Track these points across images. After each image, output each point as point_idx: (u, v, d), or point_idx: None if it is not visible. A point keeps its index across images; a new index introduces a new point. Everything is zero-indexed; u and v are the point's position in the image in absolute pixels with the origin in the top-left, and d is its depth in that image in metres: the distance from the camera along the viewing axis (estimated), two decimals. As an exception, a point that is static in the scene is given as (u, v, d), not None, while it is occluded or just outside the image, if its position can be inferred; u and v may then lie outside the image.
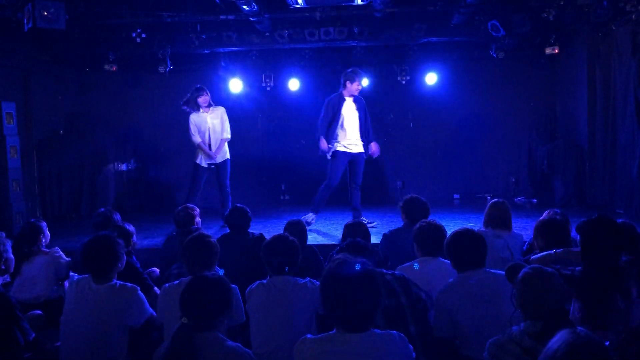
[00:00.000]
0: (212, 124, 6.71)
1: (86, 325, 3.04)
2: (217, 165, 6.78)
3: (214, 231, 6.25)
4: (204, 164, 6.74)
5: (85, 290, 3.14)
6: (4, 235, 4.04)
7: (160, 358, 2.36)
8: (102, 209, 5.03)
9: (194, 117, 6.69)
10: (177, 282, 3.22)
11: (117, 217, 4.84)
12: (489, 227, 4.42)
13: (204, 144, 6.69)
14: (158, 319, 3.24)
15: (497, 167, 9.27)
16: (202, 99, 6.65)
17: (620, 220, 3.57)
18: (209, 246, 3.34)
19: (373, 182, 9.28)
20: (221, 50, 8.30)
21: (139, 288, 3.19)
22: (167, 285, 3.25)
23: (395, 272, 3.09)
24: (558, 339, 1.68)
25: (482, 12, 7.29)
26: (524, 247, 4.40)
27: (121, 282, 3.20)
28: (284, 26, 7.77)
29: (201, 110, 6.69)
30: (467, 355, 2.94)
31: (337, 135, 6.40)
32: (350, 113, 6.44)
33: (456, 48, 8.81)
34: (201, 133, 6.69)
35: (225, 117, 6.79)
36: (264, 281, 3.24)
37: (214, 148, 6.70)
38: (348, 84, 6.42)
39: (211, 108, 6.76)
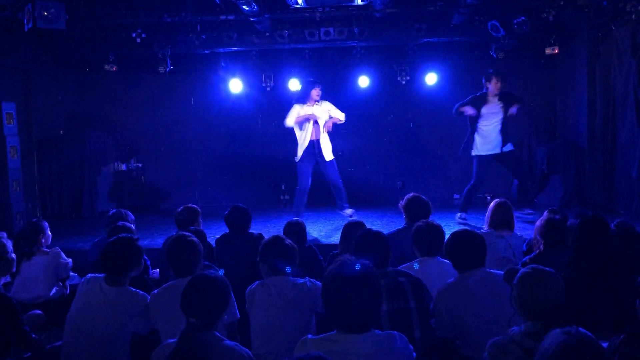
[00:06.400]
0: (319, 116, 6.64)
1: (91, 324, 3.04)
2: (323, 161, 6.69)
3: (214, 231, 6.25)
4: (304, 155, 6.67)
5: (95, 289, 3.13)
6: (5, 235, 4.05)
7: (165, 358, 2.35)
8: (114, 209, 5.08)
9: (297, 107, 6.69)
10: (167, 285, 3.21)
11: (131, 216, 4.86)
12: (491, 227, 4.42)
13: (305, 134, 6.61)
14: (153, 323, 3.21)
15: (497, 167, 9.25)
16: (316, 92, 6.62)
17: (618, 220, 3.58)
18: (193, 245, 3.26)
19: (373, 182, 9.30)
20: (221, 50, 8.30)
21: (149, 297, 3.18)
22: (155, 291, 3.21)
23: (412, 274, 3.09)
24: (551, 339, 1.68)
25: (482, 12, 7.29)
26: (524, 247, 4.41)
27: (133, 290, 3.18)
28: (284, 26, 7.77)
29: (308, 103, 6.66)
30: (467, 355, 2.95)
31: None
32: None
33: (456, 48, 8.80)
34: (302, 124, 6.63)
35: (331, 107, 6.74)
36: (264, 281, 3.24)
37: (319, 137, 6.63)
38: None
39: (318, 102, 6.70)
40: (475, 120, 6.58)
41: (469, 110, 6.54)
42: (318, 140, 6.64)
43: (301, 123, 6.63)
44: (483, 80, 6.61)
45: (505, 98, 6.56)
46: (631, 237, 3.43)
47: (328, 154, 6.68)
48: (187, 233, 3.45)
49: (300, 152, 6.68)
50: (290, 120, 6.65)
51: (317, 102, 6.67)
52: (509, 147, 6.59)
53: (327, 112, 6.69)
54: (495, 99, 6.54)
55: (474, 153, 6.68)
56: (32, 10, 5.67)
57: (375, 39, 7.92)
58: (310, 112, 6.60)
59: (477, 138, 6.60)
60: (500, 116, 6.53)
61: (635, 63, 6.65)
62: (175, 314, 2.53)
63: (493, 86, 6.50)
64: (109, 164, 8.85)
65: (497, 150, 6.58)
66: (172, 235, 4.73)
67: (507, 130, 6.57)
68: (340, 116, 6.72)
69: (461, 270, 3.12)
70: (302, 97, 6.70)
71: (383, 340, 2.21)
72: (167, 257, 3.31)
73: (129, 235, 3.40)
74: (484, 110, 6.55)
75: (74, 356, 3.06)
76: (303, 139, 6.65)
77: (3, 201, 6.81)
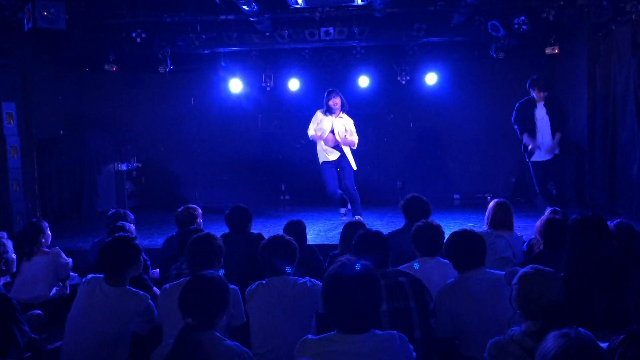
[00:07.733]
0: (336, 128, 6.64)
1: (92, 324, 3.04)
2: (340, 166, 6.74)
3: (214, 231, 6.24)
4: (324, 159, 6.73)
5: (96, 290, 3.13)
6: (6, 235, 4.05)
7: (163, 358, 2.35)
8: (114, 209, 5.07)
9: (318, 114, 6.72)
10: (178, 282, 3.21)
11: (131, 216, 4.86)
12: (491, 227, 4.42)
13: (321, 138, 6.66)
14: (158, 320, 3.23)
15: (497, 167, 9.26)
16: (332, 102, 6.60)
17: (617, 220, 3.58)
18: (214, 245, 3.30)
19: (373, 182, 9.31)
20: (221, 50, 8.31)
21: (149, 297, 3.18)
22: (167, 285, 3.23)
23: (413, 274, 3.10)
24: (551, 340, 1.68)
25: (482, 12, 7.29)
26: (524, 248, 4.41)
27: (133, 290, 3.19)
28: (284, 26, 7.77)
29: (328, 114, 6.66)
30: (467, 355, 2.95)
31: None
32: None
33: (456, 48, 8.81)
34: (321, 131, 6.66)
35: (351, 126, 6.70)
36: (264, 282, 3.24)
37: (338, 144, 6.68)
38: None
39: (340, 114, 6.69)
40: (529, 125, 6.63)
41: (528, 143, 6.62)
42: (339, 147, 6.68)
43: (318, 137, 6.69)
44: (527, 84, 6.69)
45: (550, 105, 6.62)
46: (631, 237, 3.42)
47: (353, 162, 6.72)
48: (212, 234, 3.45)
49: (320, 158, 6.78)
50: (310, 131, 6.78)
51: (339, 114, 6.67)
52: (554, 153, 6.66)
53: (343, 127, 6.67)
54: (542, 104, 6.63)
55: (529, 159, 6.77)
56: (32, 10, 5.67)
57: (375, 39, 7.93)
58: (327, 127, 6.62)
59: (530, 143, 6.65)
60: (547, 122, 6.59)
61: (635, 63, 6.64)
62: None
63: (536, 94, 6.61)
64: (109, 164, 8.85)
65: (549, 157, 6.64)
66: (173, 234, 4.77)
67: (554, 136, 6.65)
68: (354, 140, 6.69)
69: (461, 270, 3.12)
70: (323, 107, 6.72)
71: (383, 340, 2.21)
72: (187, 254, 3.27)
73: (126, 235, 3.38)
74: (536, 114, 6.63)
75: (74, 356, 3.06)
76: (323, 147, 6.72)
77: (3, 201, 6.80)
